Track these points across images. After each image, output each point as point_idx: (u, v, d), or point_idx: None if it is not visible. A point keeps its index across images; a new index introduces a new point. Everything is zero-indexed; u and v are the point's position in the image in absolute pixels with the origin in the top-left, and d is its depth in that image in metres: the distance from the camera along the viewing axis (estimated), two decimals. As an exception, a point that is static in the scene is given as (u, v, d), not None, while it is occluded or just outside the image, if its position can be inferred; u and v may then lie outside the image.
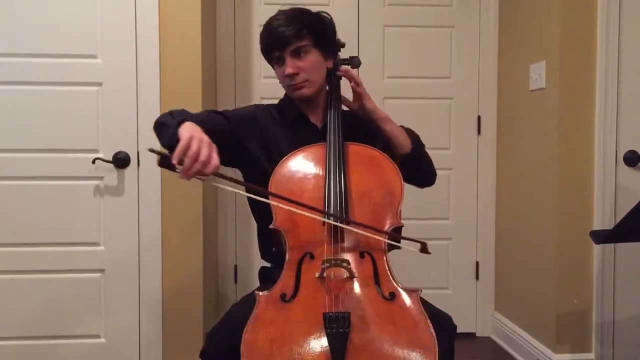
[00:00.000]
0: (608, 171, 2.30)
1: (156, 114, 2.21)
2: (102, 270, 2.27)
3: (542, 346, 2.47)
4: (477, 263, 2.99)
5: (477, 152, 2.96)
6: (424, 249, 1.36)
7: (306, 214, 1.32)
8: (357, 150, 1.50)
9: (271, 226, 1.37)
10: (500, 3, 2.89)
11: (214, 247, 2.81)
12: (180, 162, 1.17)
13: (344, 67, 1.62)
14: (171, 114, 1.37)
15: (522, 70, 2.64)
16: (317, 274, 1.27)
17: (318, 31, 1.53)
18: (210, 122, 1.45)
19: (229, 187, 1.33)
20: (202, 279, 2.32)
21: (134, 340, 2.29)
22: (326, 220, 1.33)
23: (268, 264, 1.64)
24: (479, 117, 2.95)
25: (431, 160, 1.66)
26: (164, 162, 1.20)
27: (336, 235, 1.33)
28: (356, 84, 1.55)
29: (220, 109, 2.80)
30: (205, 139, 1.21)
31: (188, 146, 1.17)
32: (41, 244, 2.23)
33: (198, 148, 1.18)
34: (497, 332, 2.92)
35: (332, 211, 1.36)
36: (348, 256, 1.32)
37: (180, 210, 2.27)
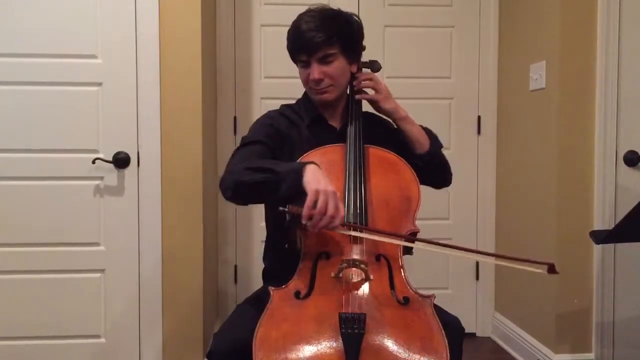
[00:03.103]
0: (608, 171, 2.30)
1: (156, 114, 2.23)
2: (102, 270, 2.26)
3: (542, 346, 2.47)
4: (477, 263, 2.99)
5: (477, 152, 2.97)
6: (551, 270, 1.28)
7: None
8: (376, 154, 1.50)
9: (287, 223, 1.35)
10: (500, 3, 2.89)
11: (214, 247, 2.81)
12: (310, 217, 1.21)
13: (359, 79, 1.59)
14: (253, 167, 1.33)
15: (522, 70, 2.64)
16: (333, 274, 1.27)
17: (347, 38, 1.52)
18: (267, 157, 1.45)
19: (355, 233, 1.33)
20: (202, 279, 2.32)
21: (134, 340, 2.29)
22: (350, 233, 1.33)
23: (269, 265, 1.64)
24: (479, 117, 2.95)
25: (447, 161, 1.66)
26: (294, 221, 1.24)
27: (355, 236, 1.33)
28: (374, 89, 1.55)
29: (219, 109, 2.83)
30: (330, 189, 1.22)
31: (314, 202, 1.20)
32: (41, 244, 2.23)
33: (325, 203, 1.20)
34: (497, 332, 2.92)
35: (351, 216, 1.35)
36: (365, 258, 1.32)
37: (180, 210, 2.27)
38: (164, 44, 2.24)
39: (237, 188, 1.34)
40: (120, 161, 2.22)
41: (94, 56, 2.22)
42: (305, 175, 1.25)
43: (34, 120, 2.20)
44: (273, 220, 1.62)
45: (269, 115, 1.62)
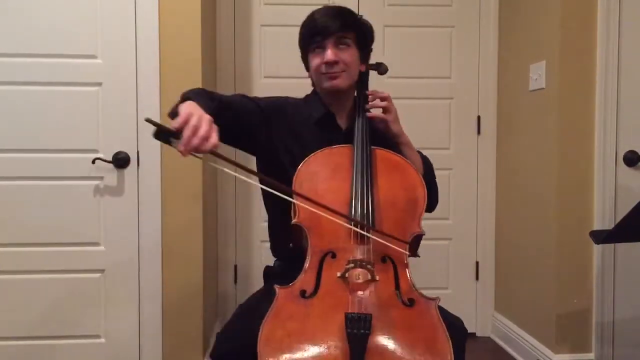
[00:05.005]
0: (608, 171, 2.30)
1: (156, 114, 2.23)
2: (102, 270, 2.27)
3: (542, 346, 2.47)
4: (477, 263, 2.99)
5: (477, 152, 2.97)
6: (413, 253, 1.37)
7: (329, 217, 1.31)
8: (383, 156, 1.50)
9: (294, 221, 1.35)
10: (500, 3, 2.89)
11: (214, 247, 2.81)
12: (178, 137, 1.12)
13: (375, 95, 1.58)
14: (189, 92, 1.34)
15: (522, 70, 2.64)
16: (339, 274, 1.27)
17: (361, 31, 1.55)
18: (238, 105, 1.48)
19: (227, 169, 1.25)
20: (202, 279, 2.32)
21: (134, 340, 2.29)
22: (352, 227, 1.33)
23: (272, 263, 1.64)
24: (479, 117, 2.95)
25: (437, 189, 1.67)
26: (160, 134, 1.13)
27: (362, 237, 1.33)
28: (385, 108, 1.54)
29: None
30: (206, 116, 1.17)
31: (187, 120, 1.13)
32: (41, 244, 2.23)
33: (198, 123, 1.14)
34: (497, 332, 2.92)
35: (358, 216, 1.35)
36: (371, 259, 1.32)
37: (180, 210, 2.27)
38: (164, 44, 2.24)
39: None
40: (120, 161, 2.22)
41: (93, 56, 2.22)
42: (183, 103, 1.22)
43: (34, 120, 2.20)
44: (274, 216, 1.63)
45: (288, 98, 1.66)
